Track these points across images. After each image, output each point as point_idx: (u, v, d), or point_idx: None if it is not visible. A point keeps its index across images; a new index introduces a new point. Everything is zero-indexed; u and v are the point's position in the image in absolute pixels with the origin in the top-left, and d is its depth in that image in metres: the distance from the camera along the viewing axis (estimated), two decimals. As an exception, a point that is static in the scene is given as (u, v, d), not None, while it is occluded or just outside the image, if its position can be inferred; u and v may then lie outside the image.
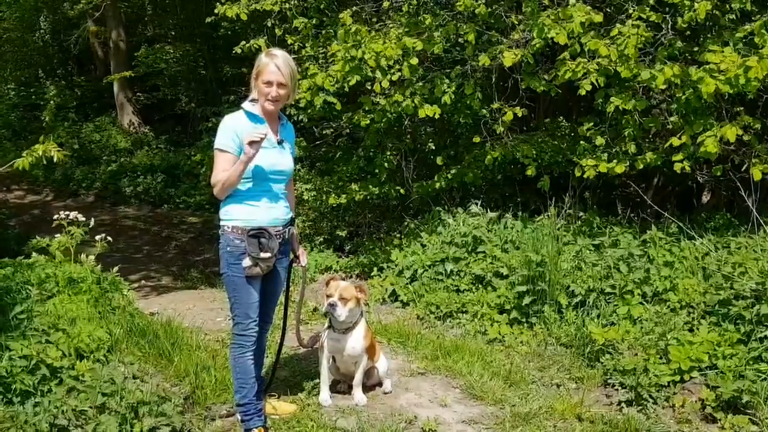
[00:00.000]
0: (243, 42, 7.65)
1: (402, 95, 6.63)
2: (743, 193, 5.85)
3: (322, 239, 8.99)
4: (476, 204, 7.19)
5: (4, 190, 15.80)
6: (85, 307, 4.75)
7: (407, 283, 6.78)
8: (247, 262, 3.60)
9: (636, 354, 4.73)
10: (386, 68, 6.37)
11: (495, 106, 6.65)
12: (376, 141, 8.42)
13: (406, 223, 7.90)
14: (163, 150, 16.45)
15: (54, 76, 19.75)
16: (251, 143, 3.46)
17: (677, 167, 5.66)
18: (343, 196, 8.10)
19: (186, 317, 6.01)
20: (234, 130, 3.60)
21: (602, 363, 4.81)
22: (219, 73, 15.27)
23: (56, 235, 5.61)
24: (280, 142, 3.78)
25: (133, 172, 15.42)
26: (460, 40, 6.51)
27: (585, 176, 6.09)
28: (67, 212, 5.70)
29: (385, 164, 8.21)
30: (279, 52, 3.69)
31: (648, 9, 5.68)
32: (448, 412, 4.31)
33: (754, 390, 4.03)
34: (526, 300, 5.73)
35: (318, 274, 7.90)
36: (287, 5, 7.52)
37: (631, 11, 5.77)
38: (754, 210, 5.69)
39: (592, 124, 6.41)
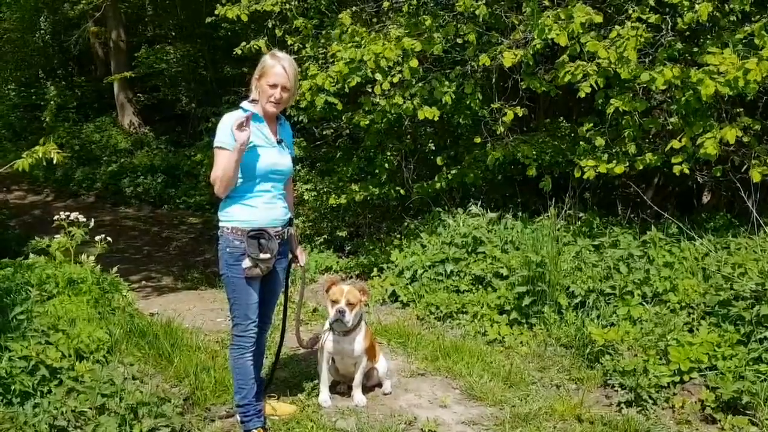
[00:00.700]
0: (243, 43, 7.65)
1: (402, 97, 6.63)
2: (743, 194, 5.84)
3: (322, 240, 9.00)
4: (476, 204, 7.19)
5: (4, 190, 15.81)
6: (85, 307, 4.75)
7: (407, 284, 6.78)
8: (246, 263, 3.60)
9: (636, 355, 4.73)
10: (386, 69, 6.37)
11: (495, 105, 6.65)
12: (377, 141, 8.42)
13: (406, 224, 7.90)
14: (163, 150, 16.45)
15: (54, 77, 19.75)
16: (240, 126, 3.47)
17: (676, 170, 5.67)
18: (343, 196, 8.10)
19: (186, 318, 6.01)
20: (233, 128, 3.60)
21: (602, 364, 4.80)
22: (219, 73, 15.29)
23: (56, 236, 5.61)
24: (279, 142, 3.79)
25: (133, 173, 15.43)
26: (459, 40, 6.50)
27: (585, 177, 6.09)
28: (67, 213, 5.71)
29: (386, 165, 8.21)
30: (284, 55, 3.71)
31: (648, 10, 5.67)
32: (447, 413, 4.31)
33: (754, 391, 4.04)
34: (526, 301, 5.72)
35: (318, 275, 7.91)
36: (288, 6, 7.52)
37: (630, 12, 5.77)
38: (754, 211, 5.68)
39: (591, 124, 6.40)
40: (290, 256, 4.02)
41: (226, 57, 13.08)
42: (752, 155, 5.65)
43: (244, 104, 3.76)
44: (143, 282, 9.39)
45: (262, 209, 3.69)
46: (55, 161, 4.72)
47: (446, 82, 6.61)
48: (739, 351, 4.37)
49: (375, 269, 7.35)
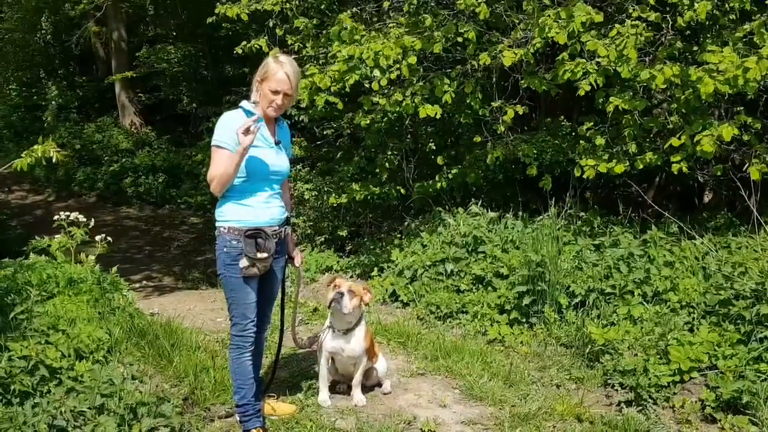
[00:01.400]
0: (244, 42, 7.66)
1: (402, 94, 6.63)
2: (743, 193, 5.83)
3: (323, 239, 9.00)
4: (477, 204, 7.18)
5: (5, 190, 15.83)
6: (85, 307, 4.75)
7: (407, 284, 6.78)
8: (244, 262, 3.60)
9: (636, 354, 4.73)
10: (385, 68, 6.37)
11: (495, 104, 6.64)
12: (377, 141, 8.42)
13: (406, 223, 7.90)
14: (164, 150, 16.47)
15: (56, 77, 19.77)
16: (246, 131, 3.47)
17: (675, 168, 5.66)
18: (344, 196, 8.10)
19: (186, 317, 6.01)
20: (232, 127, 3.59)
21: (602, 363, 4.80)
22: (220, 73, 15.30)
23: (56, 236, 5.62)
24: (277, 143, 3.79)
25: (134, 173, 15.45)
26: (460, 39, 6.50)
27: (585, 176, 6.08)
28: (67, 213, 5.71)
29: (386, 164, 8.21)
30: (287, 60, 3.70)
31: (648, 8, 5.66)
32: (447, 412, 4.31)
33: (754, 390, 4.02)
34: (527, 300, 5.72)
35: (318, 274, 7.91)
36: (288, 5, 7.52)
37: (631, 11, 5.76)
38: (754, 210, 5.67)
39: (592, 123, 6.39)
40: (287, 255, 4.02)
41: (227, 57, 13.08)
42: (752, 154, 5.64)
43: (244, 104, 3.76)
44: (144, 282, 9.41)
45: (258, 209, 3.69)
46: (54, 160, 4.71)
47: (447, 80, 6.61)
48: (739, 350, 4.36)
49: (375, 269, 7.35)
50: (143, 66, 16.19)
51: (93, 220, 5.81)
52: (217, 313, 6.65)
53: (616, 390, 4.56)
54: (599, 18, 5.57)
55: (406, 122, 7.94)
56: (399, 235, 7.73)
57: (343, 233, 8.91)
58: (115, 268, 5.69)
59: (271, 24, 7.97)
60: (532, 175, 6.70)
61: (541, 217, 6.67)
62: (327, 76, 6.56)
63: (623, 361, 4.61)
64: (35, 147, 4.70)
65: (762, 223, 5.55)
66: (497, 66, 6.35)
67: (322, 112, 7.73)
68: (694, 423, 4.10)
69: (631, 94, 5.79)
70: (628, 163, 5.97)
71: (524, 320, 5.76)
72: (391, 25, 6.84)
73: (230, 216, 3.67)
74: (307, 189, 9.36)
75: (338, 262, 8.12)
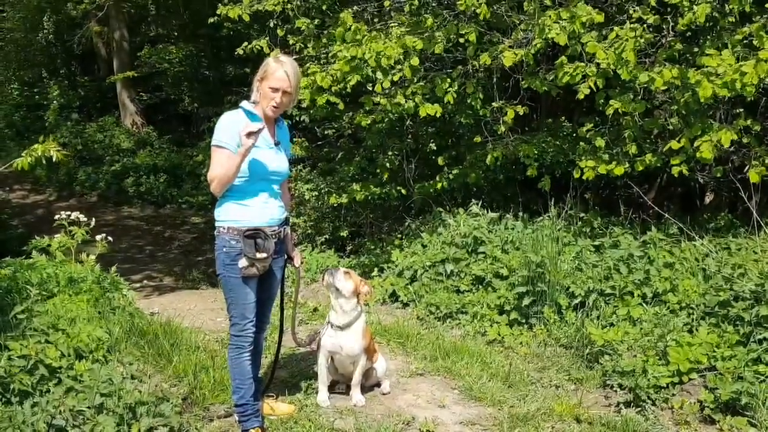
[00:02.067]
0: (245, 43, 7.66)
1: (403, 96, 6.64)
2: (743, 195, 5.83)
3: (323, 239, 9.01)
4: (477, 204, 7.19)
5: (7, 189, 15.85)
6: (85, 307, 4.76)
7: (407, 284, 6.78)
8: (243, 262, 3.61)
9: (635, 355, 4.72)
10: (387, 69, 6.37)
11: (496, 105, 6.65)
12: (378, 141, 8.43)
13: (407, 224, 7.90)
14: (166, 150, 16.50)
15: (57, 76, 19.81)
16: (249, 134, 3.48)
17: (675, 171, 5.66)
18: (345, 196, 8.11)
19: (186, 317, 6.02)
20: (233, 128, 3.60)
21: (601, 364, 4.80)
22: (222, 73, 15.32)
23: (56, 235, 5.63)
24: (276, 144, 3.80)
25: (136, 173, 15.46)
26: (461, 39, 6.50)
27: (584, 177, 6.08)
28: (68, 212, 5.72)
29: (387, 164, 8.21)
30: (287, 59, 3.70)
31: (648, 10, 5.66)
32: (446, 413, 4.31)
33: (753, 392, 4.02)
34: (526, 301, 5.72)
35: (318, 274, 7.91)
36: (289, 6, 7.52)
37: (631, 12, 5.76)
38: (754, 211, 5.67)
39: (592, 125, 6.39)
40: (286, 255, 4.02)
41: (228, 57, 13.11)
42: (752, 156, 5.64)
43: (244, 104, 3.76)
44: (144, 281, 9.42)
45: (258, 209, 3.70)
46: (55, 159, 4.72)
47: (448, 80, 6.62)
48: (738, 352, 4.36)
49: (375, 269, 7.36)
50: (145, 66, 16.23)
51: (94, 219, 5.82)
52: (217, 313, 6.66)
53: (615, 391, 4.57)
54: (600, 18, 5.57)
55: (407, 123, 7.94)
56: (399, 236, 7.74)
57: (344, 233, 8.93)
58: (114, 268, 5.70)
59: (272, 24, 7.97)
60: (533, 176, 6.70)
61: (541, 217, 6.67)
62: (328, 75, 6.57)
63: (622, 362, 4.61)
64: (36, 146, 4.71)
65: (762, 224, 5.55)
66: (498, 66, 6.36)
67: (323, 112, 7.73)
68: (692, 424, 4.10)
69: (632, 96, 5.79)
70: (628, 165, 5.97)
71: (524, 321, 5.76)
72: (392, 24, 6.84)
73: (229, 216, 3.67)
74: (307, 189, 9.37)
75: (339, 262, 8.12)
